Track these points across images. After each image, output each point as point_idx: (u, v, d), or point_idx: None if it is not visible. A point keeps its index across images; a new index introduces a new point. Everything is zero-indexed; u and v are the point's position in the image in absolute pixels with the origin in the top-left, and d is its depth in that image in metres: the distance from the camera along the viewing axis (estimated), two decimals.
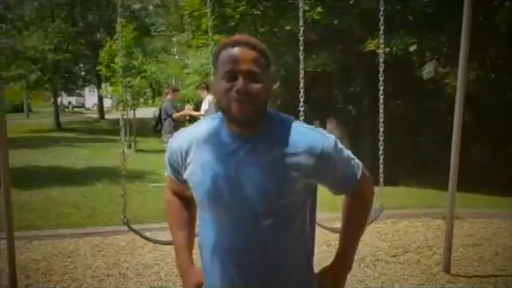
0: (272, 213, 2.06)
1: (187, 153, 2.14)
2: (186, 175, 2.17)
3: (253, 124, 2.05)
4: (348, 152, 2.19)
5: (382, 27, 5.45)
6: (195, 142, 2.13)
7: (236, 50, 2.01)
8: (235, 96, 1.98)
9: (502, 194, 10.21)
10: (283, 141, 2.06)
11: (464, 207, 8.21)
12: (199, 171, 2.09)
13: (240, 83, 1.98)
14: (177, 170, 2.24)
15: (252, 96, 1.99)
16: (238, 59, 2.00)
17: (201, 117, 11.86)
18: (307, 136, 2.09)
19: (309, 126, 2.17)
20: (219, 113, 2.14)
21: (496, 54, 14.82)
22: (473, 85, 13.03)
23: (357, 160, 2.22)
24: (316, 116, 13.03)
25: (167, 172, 2.32)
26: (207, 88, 12.00)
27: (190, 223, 2.39)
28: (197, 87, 14.54)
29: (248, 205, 2.04)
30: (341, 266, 2.31)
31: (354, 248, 2.32)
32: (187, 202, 2.38)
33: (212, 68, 2.15)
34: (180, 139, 2.20)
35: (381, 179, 5.60)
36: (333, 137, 2.14)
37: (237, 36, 2.08)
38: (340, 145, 2.16)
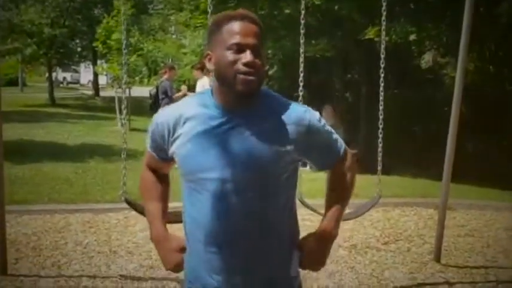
0: (261, 184, 2.09)
1: (174, 127, 2.16)
2: (172, 149, 2.18)
3: (253, 98, 2.10)
4: (331, 129, 2.26)
5: (384, 13, 5.40)
6: (184, 116, 2.14)
7: (243, 24, 2.06)
8: (243, 69, 2.02)
9: (495, 186, 10.22)
10: (272, 114, 2.13)
11: (457, 198, 8.21)
12: (188, 144, 2.11)
13: (248, 56, 2.02)
14: (160, 146, 2.25)
15: (257, 69, 2.04)
16: (245, 33, 2.05)
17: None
18: (294, 109, 2.16)
19: (292, 100, 2.24)
20: (208, 89, 2.20)
21: (496, 46, 14.77)
22: (471, 76, 13.01)
23: (339, 137, 2.29)
24: (314, 102, 12.97)
25: (148, 148, 2.35)
26: (202, 69, 11.98)
27: (165, 197, 2.41)
28: (192, 67, 14.51)
29: (238, 177, 2.07)
30: (324, 235, 2.30)
31: (337, 220, 2.32)
32: (163, 178, 2.42)
33: (209, 39, 2.13)
34: (167, 114, 2.21)
35: (379, 167, 5.57)
36: (317, 112, 2.23)
37: (242, 11, 2.12)
38: (323, 121, 2.23)
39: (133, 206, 5.09)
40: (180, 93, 12.27)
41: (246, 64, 2.01)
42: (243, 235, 2.10)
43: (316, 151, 2.21)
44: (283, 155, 2.09)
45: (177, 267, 2.30)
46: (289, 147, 2.09)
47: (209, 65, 2.14)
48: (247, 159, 2.06)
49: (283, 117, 2.11)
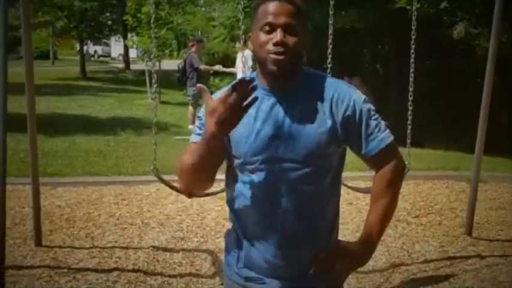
0: (309, 163, 2.08)
1: None
2: None
3: (288, 77, 2.08)
4: (377, 116, 2.18)
5: None
6: None
7: (275, 3, 2.06)
8: (273, 49, 2.03)
9: None
10: (317, 93, 2.11)
11: (489, 170, 8.15)
12: (240, 127, 2.03)
13: (278, 35, 2.02)
14: None
15: (288, 48, 2.03)
16: (277, 12, 2.05)
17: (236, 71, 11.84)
18: (339, 87, 2.14)
19: (339, 79, 2.21)
20: (252, 72, 2.18)
21: None
22: (504, 47, 12.78)
23: (387, 129, 2.19)
24: (343, 74, 12.87)
25: (195, 139, 2.12)
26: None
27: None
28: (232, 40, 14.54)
29: (289, 156, 2.07)
30: (369, 241, 2.20)
31: (380, 230, 2.21)
32: None
33: (252, 20, 2.13)
34: (218, 98, 2.13)
35: (408, 140, 5.53)
36: (363, 95, 2.18)
37: None
38: (370, 105, 2.17)
39: (163, 181, 5.15)
40: (210, 67, 12.37)
41: (276, 43, 2.02)
42: (290, 213, 2.10)
43: (358, 134, 2.13)
44: (328, 136, 2.08)
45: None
46: (333, 128, 2.08)
47: (250, 46, 2.16)
48: (295, 139, 2.06)
49: (328, 96, 2.10)
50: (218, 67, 13.10)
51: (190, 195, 2.28)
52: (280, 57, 2.02)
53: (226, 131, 1.97)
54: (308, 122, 2.07)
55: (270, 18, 2.04)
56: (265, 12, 2.06)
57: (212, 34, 20.24)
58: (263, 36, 2.05)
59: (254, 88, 1.90)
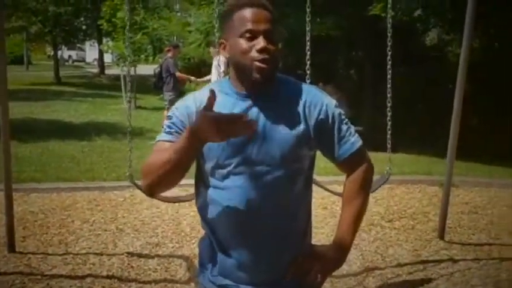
0: (282, 168, 2.09)
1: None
2: None
3: (269, 83, 2.10)
4: (348, 121, 2.22)
5: None
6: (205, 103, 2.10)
7: (255, 10, 2.06)
8: (258, 56, 2.03)
9: (499, 164, 10.23)
10: (290, 98, 2.14)
11: (461, 175, 8.25)
12: None
13: (261, 42, 2.03)
14: (180, 133, 2.09)
15: (271, 55, 2.04)
16: (257, 19, 2.05)
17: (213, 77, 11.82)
18: (311, 92, 2.18)
19: (310, 84, 2.27)
20: (225, 77, 2.18)
21: (501, 23, 14.68)
22: (476, 53, 12.95)
23: (356, 134, 2.23)
24: (318, 80, 12.95)
25: (165, 138, 2.12)
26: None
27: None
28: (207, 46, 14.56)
29: (260, 162, 2.08)
30: (342, 245, 2.24)
31: (354, 229, 2.25)
32: None
33: (222, 27, 2.12)
34: (190, 101, 2.17)
35: (389, 145, 5.59)
36: (334, 100, 2.21)
37: None
38: (341, 110, 2.21)
39: (138, 187, 5.15)
40: (184, 76, 12.44)
41: (260, 50, 2.02)
42: (263, 218, 2.11)
43: (330, 137, 2.17)
44: (301, 139, 2.10)
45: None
46: (306, 132, 2.10)
47: (224, 53, 2.14)
48: (267, 144, 2.07)
49: (301, 100, 2.12)
50: (193, 79, 13.15)
51: (151, 194, 2.19)
52: (265, 66, 2.02)
53: (208, 140, 1.88)
54: (281, 126, 2.09)
55: (250, 25, 2.03)
56: (243, 19, 2.05)
57: (188, 39, 20.23)
58: (244, 44, 2.04)
59: (253, 125, 1.82)
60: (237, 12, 2.08)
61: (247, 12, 2.05)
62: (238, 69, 2.10)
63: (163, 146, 2.08)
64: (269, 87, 2.11)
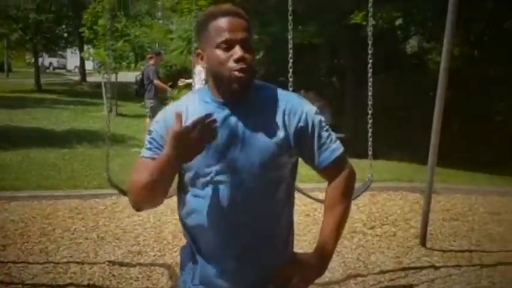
0: (263, 176, 2.09)
1: None
2: None
3: (248, 91, 2.10)
4: (328, 128, 2.22)
5: (371, 0, 5.40)
6: (184, 114, 2.10)
7: (230, 19, 2.06)
8: (236, 66, 2.03)
9: (479, 171, 10.31)
10: (269, 106, 2.13)
11: (442, 182, 8.30)
12: None
13: (238, 51, 2.03)
14: (164, 144, 2.09)
15: (248, 64, 2.04)
16: (233, 28, 2.04)
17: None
18: (290, 99, 2.17)
19: (290, 91, 2.28)
20: (204, 86, 2.18)
21: (481, 31, 14.83)
22: (456, 61, 13.04)
23: (338, 140, 2.23)
24: (300, 87, 13.01)
25: (146, 154, 2.14)
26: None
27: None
28: (189, 53, 14.57)
29: (239, 170, 2.08)
30: (323, 252, 2.24)
31: (335, 239, 2.24)
32: None
33: (198, 37, 2.13)
34: (170, 112, 2.15)
35: (370, 152, 5.62)
36: (314, 107, 2.21)
37: (225, 6, 2.12)
38: (321, 116, 2.21)
39: (118, 188, 5.15)
40: (162, 85, 12.40)
41: (237, 60, 2.02)
42: (245, 226, 2.11)
43: (310, 145, 2.16)
44: (281, 147, 2.09)
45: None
46: (286, 139, 2.10)
47: (202, 63, 2.14)
48: (247, 152, 2.07)
49: (280, 108, 2.12)
50: (170, 90, 13.18)
51: (139, 210, 2.25)
52: (242, 75, 2.02)
53: (188, 159, 2.00)
54: (261, 134, 2.08)
55: (226, 35, 2.03)
56: (219, 29, 2.05)
57: (170, 47, 20.21)
58: (221, 54, 2.04)
59: (214, 121, 1.91)
60: (212, 22, 2.07)
61: (223, 22, 2.05)
62: (217, 79, 2.10)
63: (145, 163, 2.12)
64: (248, 95, 2.11)
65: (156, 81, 12.08)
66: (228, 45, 2.03)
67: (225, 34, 2.03)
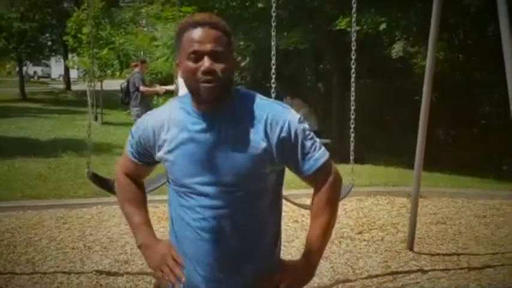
0: (246, 186, 2.10)
1: (159, 132, 2.17)
2: (160, 154, 2.18)
3: (220, 101, 2.09)
4: (313, 135, 2.20)
5: (355, 6, 5.43)
6: (166, 122, 2.16)
7: (199, 31, 2.05)
8: (202, 77, 2.03)
9: (465, 174, 10.37)
10: (250, 115, 2.11)
11: (428, 186, 8.32)
12: (175, 151, 2.12)
13: (205, 63, 2.02)
14: (144, 150, 2.24)
15: (217, 75, 2.03)
16: (201, 40, 2.04)
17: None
18: (273, 109, 2.15)
19: (274, 100, 2.25)
20: (187, 94, 2.17)
21: (465, 35, 14.94)
22: (441, 65, 13.14)
23: (322, 146, 2.22)
24: (286, 93, 13.04)
25: (128, 153, 2.31)
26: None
27: (145, 204, 2.40)
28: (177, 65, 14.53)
29: (222, 180, 2.09)
30: (310, 258, 2.25)
31: (321, 246, 2.25)
32: (141, 185, 2.41)
33: (176, 48, 2.15)
34: (152, 118, 2.22)
35: (352, 157, 5.64)
36: (298, 114, 2.19)
37: (198, 16, 2.12)
38: (305, 124, 2.19)
39: (99, 181, 5.13)
40: (150, 89, 12.29)
41: (203, 72, 2.02)
42: (230, 235, 2.12)
43: (294, 154, 2.15)
44: (263, 157, 2.09)
45: (172, 270, 2.19)
46: (268, 150, 2.09)
47: (181, 73, 2.15)
48: (229, 162, 2.08)
49: (262, 118, 2.10)
50: (160, 88, 13.00)
51: None
52: (210, 85, 2.02)
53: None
54: (242, 144, 2.08)
55: (195, 46, 2.03)
56: (189, 40, 2.05)
57: (155, 54, 20.15)
58: (191, 65, 2.04)
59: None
60: (186, 33, 2.08)
61: (194, 33, 2.05)
62: (189, 90, 2.12)
63: (127, 159, 2.33)
64: (225, 104, 2.11)
65: (143, 88, 12.02)
66: (197, 56, 2.03)
67: (194, 45, 2.04)
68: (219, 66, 2.03)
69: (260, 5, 13.69)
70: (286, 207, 5.29)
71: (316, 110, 15.26)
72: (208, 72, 2.01)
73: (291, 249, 5.70)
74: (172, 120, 2.14)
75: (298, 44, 14.14)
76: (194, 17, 2.12)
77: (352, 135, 5.53)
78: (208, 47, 2.03)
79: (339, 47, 13.99)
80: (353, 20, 5.60)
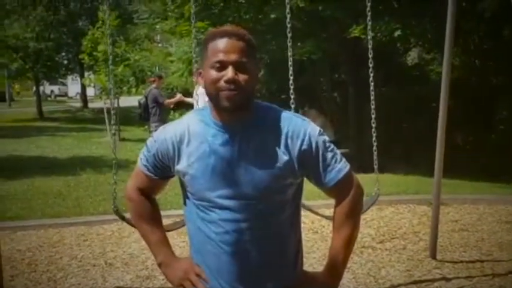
0: (267, 199, 2.10)
1: (179, 145, 2.16)
2: (179, 167, 2.16)
3: (241, 112, 2.09)
4: (333, 146, 2.20)
5: (369, 14, 5.41)
6: (188, 134, 2.15)
7: (225, 41, 2.07)
8: (224, 86, 2.03)
9: (486, 180, 10.27)
10: (270, 127, 2.12)
11: (449, 193, 8.24)
12: (195, 164, 2.12)
13: (229, 73, 2.03)
14: (161, 164, 2.22)
15: (240, 85, 2.04)
16: (227, 50, 2.05)
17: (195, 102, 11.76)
18: (293, 121, 2.15)
19: (294, 113, 2.25)
20: (205, 106, 2.19)
21: (480, 40, 14.87)
22: (457, 71, 13.08)
23: (343, 158, 2.21)
24: (302, 104, 13.05)
25: (142, 168, 2.29)
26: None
27: (161, 220, 2.40)
28: (190, 75, 14.56)
29: (243, 194, 2.08)
30: (334, 269, 2.24)
31: (345, 258, 2.24)
32: (153, 200, 2.39)
33: (200, 56, 2.16)
34: (171, 131, 2.20)
35: (376, 166, 5.60)
36: (318, 127, 2.19)
37: (227, 27, 2.14)
38: (326, 136, 2.19)
39: (125, 219, 5.09)
40: (173, 100, 12.33)
41: (227, 81, 2.02)
42: (252, 248, 2.11)
43: (315, 167, 2.15)
44: (285, 170, 2.09)
45: (195, 285, 2.21)
46: (289, 162, 2.09)
47: (201, 82, 2.16)
48: (251, 175, 2.08)
49: (281, 130, 2.11)
50: (180, 96, 12.99)
51: None
52: (232, 95, 2.03)
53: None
54: (263, 158, 2.08)
55: (220, 56, 2.04)
56: (215, 49, 2.06)
57: (170, 69, 20.26)
58: (214, 74, 2.05)
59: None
60: (211, 42, 2.09)
61: (219, 43, 2.07)
62: (210, 99, 2.12)
63: (140, 174, 2.32)
64: (246, 117, 2.11)
65: (168, 101, 12.09)
66: (221, 66, 2.04)
67: (219, 55, 2.05)
68: (242, 77, 2.04)
69: (273, 16, 13.73)
70: (306, 218, 5.27)
71: (332, 120, 15.22)
72: (232, 81, 2.02)
73: (312, 260, 5.66)
74: (191, 132, 2.14)
75: (311, 53, 14.15)
76: (221, 28, 2.14)
77: (375, 144, 5.49)
78: (233, 57, 2.04)
79: (353, 56, 14.00)
80: (368, 27, 5.58)
